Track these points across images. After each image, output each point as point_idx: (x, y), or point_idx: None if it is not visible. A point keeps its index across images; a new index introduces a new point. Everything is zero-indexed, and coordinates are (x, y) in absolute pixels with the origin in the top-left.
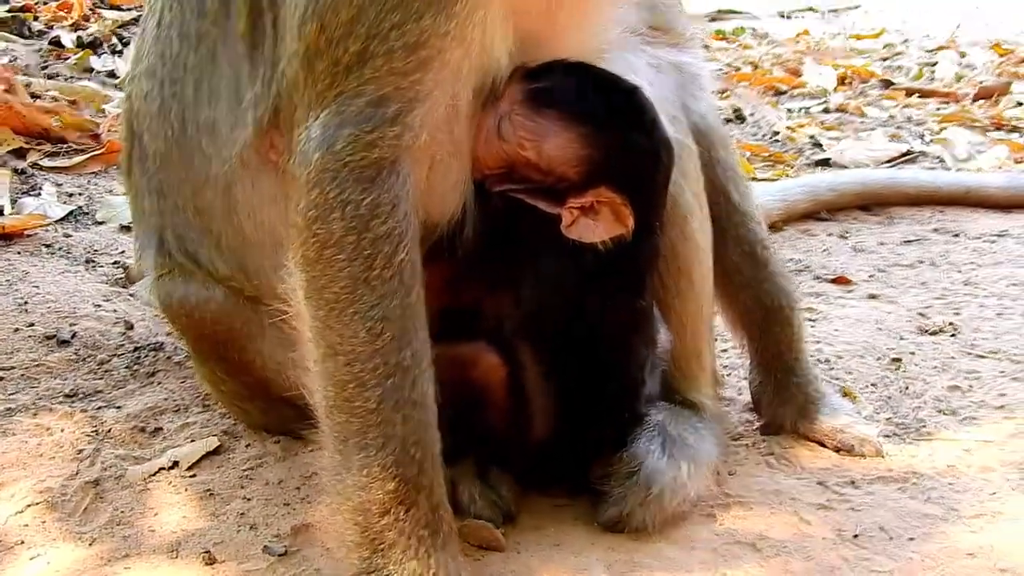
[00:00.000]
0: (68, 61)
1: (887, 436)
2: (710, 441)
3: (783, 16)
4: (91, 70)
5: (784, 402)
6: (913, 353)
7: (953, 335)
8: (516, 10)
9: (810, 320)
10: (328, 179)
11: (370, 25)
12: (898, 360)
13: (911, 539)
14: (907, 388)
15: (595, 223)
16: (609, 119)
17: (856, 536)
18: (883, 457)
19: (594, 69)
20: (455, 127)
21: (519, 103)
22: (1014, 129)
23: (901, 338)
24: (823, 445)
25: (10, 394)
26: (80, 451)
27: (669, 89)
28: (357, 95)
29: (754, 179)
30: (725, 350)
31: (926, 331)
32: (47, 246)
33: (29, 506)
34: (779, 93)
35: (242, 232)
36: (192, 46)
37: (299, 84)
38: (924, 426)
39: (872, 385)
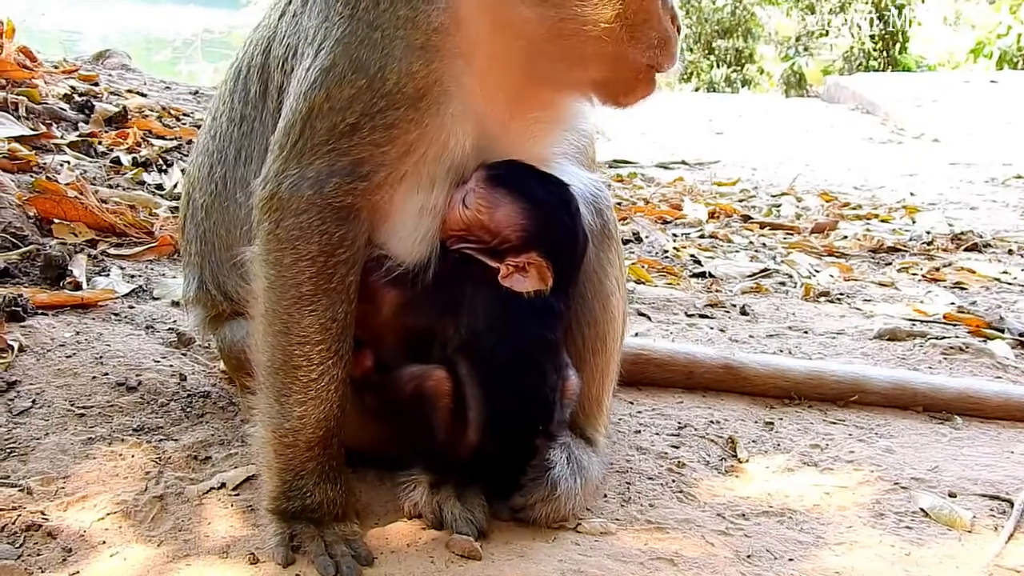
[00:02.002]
0: (125, 176)
1: (770, 476)
2: (598, 467)
3: (662, 167)
4: (143, 183)
5: None
6: (782, 419)
7: (810, 407)
8: (476, 115)
9: (701, 395)
10: (314, 211)
11: (365, 105)
12: (770, 424)
13: (791, 560)
14: (779, 445)
15: (524, 278)
16: (545, 202)
17: (749, 556)
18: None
19: (537, 168)
20: (428, 196)
21: (481, 181)
22: (842, 255)
23: (772, 408)
24: None
25: (90, 427)
26: (147, 473)
27: (591, 192)
28: (345, 154)
29: (653, 285)
30: (640, 411)
31: (790, 402)
32: (115, 314)
33: (108, 514)
34: (666, 222)
35: None
36: (237, 125)
37: (291, 134)
38: (794, 474)
39: (752, 441)
